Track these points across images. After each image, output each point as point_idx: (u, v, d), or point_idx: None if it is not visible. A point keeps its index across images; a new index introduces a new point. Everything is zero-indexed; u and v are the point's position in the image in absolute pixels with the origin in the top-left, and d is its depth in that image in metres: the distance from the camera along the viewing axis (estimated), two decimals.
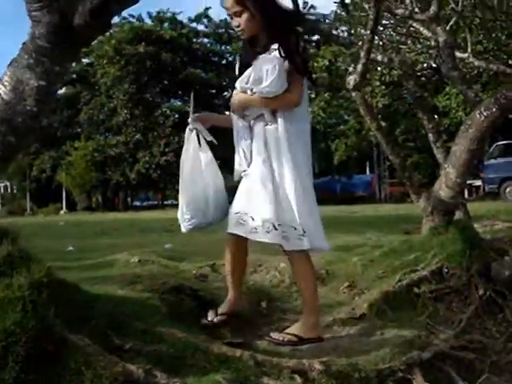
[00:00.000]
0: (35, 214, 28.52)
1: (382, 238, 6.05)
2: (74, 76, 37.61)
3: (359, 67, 3.91)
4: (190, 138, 2.92)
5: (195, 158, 2.92)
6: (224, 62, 37.65)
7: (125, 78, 32.94)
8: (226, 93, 36.31)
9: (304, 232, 2.72)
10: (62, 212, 29.69)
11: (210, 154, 2.94)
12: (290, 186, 2.75)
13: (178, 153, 33.18)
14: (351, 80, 3.75)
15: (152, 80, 33.60)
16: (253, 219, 2.68)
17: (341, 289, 3.67)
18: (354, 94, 3.81)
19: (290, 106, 2.80)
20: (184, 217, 2.89)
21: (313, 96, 17.35)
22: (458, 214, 4.40)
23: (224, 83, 35.85)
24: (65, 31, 1.97)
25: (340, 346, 2.72)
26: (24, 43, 1.99)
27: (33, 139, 2.09)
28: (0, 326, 1.75)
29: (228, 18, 2.91)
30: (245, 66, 2.87)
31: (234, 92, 2.88)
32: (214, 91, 36.86)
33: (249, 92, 2.79)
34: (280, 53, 2.73)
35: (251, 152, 2.83)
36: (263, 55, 2.77)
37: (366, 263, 3.88)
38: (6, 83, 1.98)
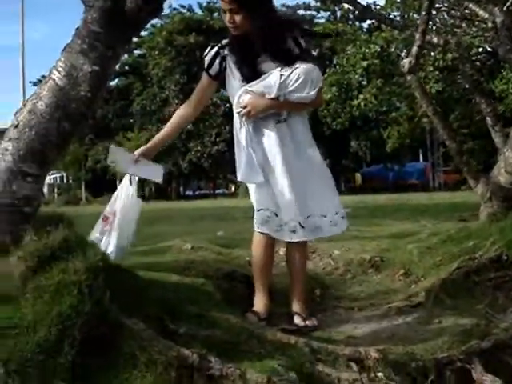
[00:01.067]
0: (90, 204, 29.15)
1: (437, 226, 5.89)
2: (127, 67, 38.26)
3: (414, 49, 3.80)
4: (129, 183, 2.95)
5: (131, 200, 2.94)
6: None
7: (176, 69, 33.24)
8: None
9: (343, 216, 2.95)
10: None
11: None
12: (321, 176, 2.90)
13: (229, 142, 33.54)
14: (406, 63, 3.65)
15: (202, 70, 33.70)
16: (277, 216, 2.78)
17: (396, 276, 3.60)
18: (408, 77, 3.71)
19: (317, 107, 2.84)
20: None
21: (364, 83, 17.06)
22: None
23: None
24: (117, 15, 1.96)
25: (396, 334, 2.66)
26: (77, 28, 2.00)
27: (86, 126, 2.09)
28: (56, 310, 1.76)
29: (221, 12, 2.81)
30: (244, 60, 2.83)
31: (249, 97, 2.79)
32: None
33: (281, 98, 2.77)
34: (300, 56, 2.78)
35: (264, 152, 2.82)
36: (302, 65, 2.75)
37: (422, 250, 3.79)
38: (60, 69, 1.99)
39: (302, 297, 2.92)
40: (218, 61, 2.89)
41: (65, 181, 37.79)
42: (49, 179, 36.11)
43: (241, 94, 2.82)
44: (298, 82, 2.74)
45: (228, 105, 34.04)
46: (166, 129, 3.08)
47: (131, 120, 37.34)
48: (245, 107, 2.79)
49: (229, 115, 33.26)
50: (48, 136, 2.00)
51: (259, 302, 2.84)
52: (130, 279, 2.15)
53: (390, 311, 3.02)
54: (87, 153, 36.32)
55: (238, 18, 2.72)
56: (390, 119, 23.77)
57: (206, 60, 2.92)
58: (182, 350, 1.86)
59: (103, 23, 1.95)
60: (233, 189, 39.59)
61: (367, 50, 15.24)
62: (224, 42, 2.91)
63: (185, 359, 1.83)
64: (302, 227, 2.78)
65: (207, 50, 2.95)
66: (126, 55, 39.53)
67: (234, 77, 2.87)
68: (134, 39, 39.13)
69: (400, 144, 26.16)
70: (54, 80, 1.99)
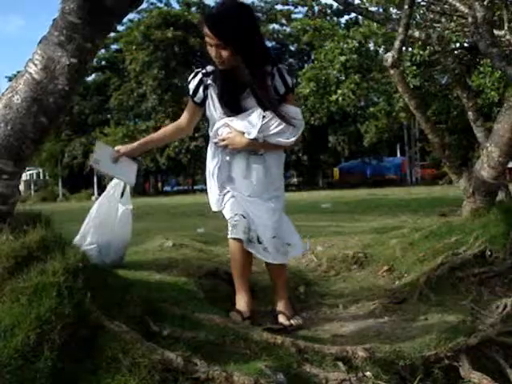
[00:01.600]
0: (68, 200, 28.84)
1: (418, 221, 5.90)
2: (104, 63, 37.88)
3: (397, 43, 3.77)
4: (115, 186, 2.99)
5: (113, 206, 2.98)
6: None
7: (154, 64, 33.00)
8: None
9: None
10: (93, 198, 29.92)
11: (129, 208, 3.03)
12: (280, 206, 2.88)
13: (207, 138, 33.27)
14: (389, 57, 3.62)
15: (181, 65, 33.56)
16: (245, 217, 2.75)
17: (380, 272, 3.57)
18: (391, 71, 3.67)
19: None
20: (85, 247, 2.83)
21: (342, 78, 17.08)
22: (501, 195, 4.25)
23: None
24: (96, 6, 1.89)
25: (383, 332, 2.63)
26: (54, 19, 1.92)
27: (62, 119, 2.02)
28: (34, 313, 1.69)
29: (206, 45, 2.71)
30: (227, 94, 2.78)
31: (228, 131, 2.78)
32: None
33: (260, 140, 2.76)
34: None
35: (232, 179, 2.85)
36: (286, 107, 2.74)
37: (405, 246, 3.76)
38: (36, 62, 1.91)
39: (285, 295, 2.87)
40: (201, 89, 2.85)
41: (41, 177, 37.33)
42: (25, 176, 35.68)
43: (219, 127, 2.80)
44: (280, 127, 2.74)
45: None
46: (156, 134, 3.07)
47: (108, 115, 37.02)
48: (223, 140, 2.78)
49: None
50: (24, 131, 1.92)
51: (241, 301, 2.78)
52: (111, 279, 2.08)
53: (376, 308, 2.98)
54: (64, 149, 35.91)
55: (224, 53, 2.65)
56: (367, 114, 23.88)
57: (191, 88, 2.88)
58: (166, 352, 1.80)
59: (81, 14, 1.87)
60: None
61: (345, 45, 15.25)
62: (208, 68, 2.84)
63: (169, 362, 1.78)
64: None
65: (191, 76, 2.90)
66: (102, 50, 39.15)
67: (214, 107, 2.84)
68: (111, 34, 38.75)
69: (378, 139, 26.30)
70: (30, 73, 1.91)
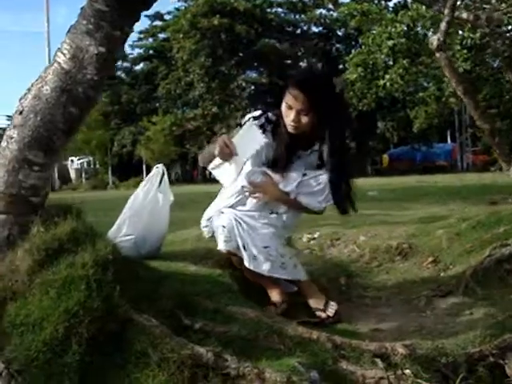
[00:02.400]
0: (117, 188, 29.30)
1: (466, 210, 5.71)
2: (151, 52, 38.21)
3: (443, 25, 3.62)
4: (153, 177, 2.98)
5: (151, 196, 2.93)
6: (299, 31, 37.06)
7: (200, 52, 33.06)
8: (301, 62, 35.87)
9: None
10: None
11: (168, 198, 2.99)
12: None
13: None
14: (434, 40, 3.48)
15: (227, 52, 33.54)
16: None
17: (424, 264, 3.45)
18: (437, 54, 3.53)
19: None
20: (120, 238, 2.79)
21: (390, 63, 16.73)
22: None
23: (299, 53, 35.37)
24: None
25: (425, 326, 2.52)
26: (82, 8, 1.88)
27: (92, 110, 1.99)
28: (62, 307, 1.67)
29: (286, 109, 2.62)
30: (281, 155, 2.70)
31: (263, 179, 2.68)
32: (289, 61, 36.42)
33: (292, 195, 2.69)
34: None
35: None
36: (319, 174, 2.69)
37: (451, 236, 3.62)
38: (65, 51, 1.88)
39: (312, 289, 2.78)
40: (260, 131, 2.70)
41: (92, 165, 38.03)
42: (76, 164, 36.43)
43: (255, 172, 2.70)
44: (317, 187, 2.69)
45: (253, 87, 33.93)
46: None
47: (157, 104, 37.36)
48: (255, 187, 2.67)
49: (253, 97, 33.16)
50: (54, 122, 1.90)
51: (272, 293, 2.71)
52: (143, 272, 2.06)
53: (419, 301, 2.88)
54: (114, 137, 36.49)
55: (304, 119, 2.59)
56: (417, 99, 23.37)
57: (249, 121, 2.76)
58: (196, 347, 1.75)
59: (109, 1, 1.82)
60: None
61: (393, 29, 14.91)
62: (271, 116, 2.76)
63: (199, 358, 1.73)
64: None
65: (253, 114, 2.81)
66: (150, 39, 39.48)
67: (260, 150, 2.69)
68: (159, 23, 38.97)
69: (427, 125, 25.73)
70: (59, 63, 1.88)
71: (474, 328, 2.36)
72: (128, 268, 1.96)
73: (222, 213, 2.69)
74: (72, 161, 37.19)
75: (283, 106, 2.63)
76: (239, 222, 2.61)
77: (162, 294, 1.97)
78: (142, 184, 2.95)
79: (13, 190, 1.92)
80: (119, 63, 42.41)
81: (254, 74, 35.74)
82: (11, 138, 1.92)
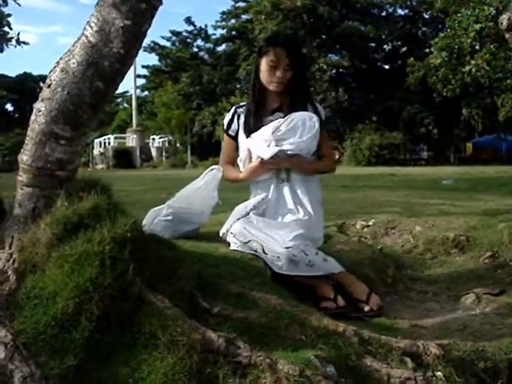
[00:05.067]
0: (195, 167, 29.75)
1: None
2: (233, 33, 38.35)
3: None
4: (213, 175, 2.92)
5: (204, 191, 2.92)
6: (384, 13, 36.12)
7: None
8: (385, 46, 35.04)
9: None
10: None
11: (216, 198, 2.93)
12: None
13: (334, 108, 33.03)
14: (504, 19, 3.21)
15: (309, 34, 33.19)
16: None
17: (481, 258, 3.25)
18: (507, 35, 3.27)
19: (327, 171, 3.00)
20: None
21: (477, 48, 16.00)
22: None
23: (383, 36, 34.52)
24: None
25: (469, 326, 2.36)
26: None
27: (119, 84, 1.95)
28: (74, 282, 1.65)
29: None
30: (252, 115, 2.87)
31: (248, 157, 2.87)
32: (372, 44, 35.64)
33: (279, 155, 2.74)
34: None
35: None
36: (297, 113, 2.78)
37: None
38: (92, 24, 1.85)
39: (354, 279, 2.66)
40: (235, 120, 2.93)
41: (172, 144, 38.76)
42: (158, 143, 37.23)
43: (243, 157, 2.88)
44: (290, 125, 2.74)
45: (334, 70, 33.44)
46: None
47: (237, 85, 37.55)
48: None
49: (335, 80, 32.71)
50: (81, 96, 1.87)
51: (325, 289, 2.58)
52: (167, 252, 2.01)
53: (468, 298, 2.71)
54: (194, 117, 37.03)
55: (289, 74, 2.78)
56: (504, 87, 22.32)
57: (225, 122, 2.97)
58: (208, 332, 1.69)
59: None
60: (337, 156, 39.00)
61: (481, 13, 14.23)
62: (243, 104, 3.02)
63: (210, 343, 1.67)
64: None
65: (227, 113, 3.02)
66: (232, 20, 39.60)
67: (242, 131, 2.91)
68: (241, 3, 38.95)
69: None
70: (86, 36, 1.85)
71: None
72: (150, 247, 1.92)
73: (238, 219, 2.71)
74: (153, 139, 38.06)
75: (265, 69, 2.79)
76: (254, 228, 2.60)
77: (183, 275, 1.92)
78: (201, 177, 2.91)
79: (39, 163, 1.92)
80: (201, 43, 42.95)
81: (335, 57, 35.20)
82: (39, 111, 1.91)
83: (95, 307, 1.65)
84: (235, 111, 2.95)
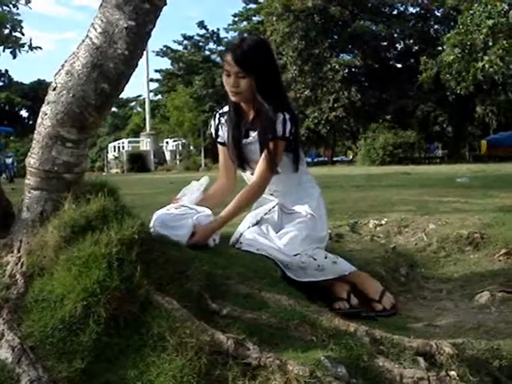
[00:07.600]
0: (209, 170, 29.77)
1: None
2: (245, 35, 38.37)
3: None
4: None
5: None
6: (395, 12, 35.94)
7: (294, 34, 32.84)
8: (397, 44, 34.89)
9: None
10: None
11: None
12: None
13: (347, 108, 32.92)
14: None
15: (321, 35, 33.11)
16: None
17: (496, 256, 3.20)
18: None
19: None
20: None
21: (490, 44, 15.88)
22: None
23: (395, 34, 34.35)
24: None
25: (484, 324, 2.32)
26: None
27: (124, 86, 1.94)
28: (81, 285, 1.65)
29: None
30: (233, 134, 2.74)
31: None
32: (384, 43, 35.46)
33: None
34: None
35: None
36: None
37: None
38: (96, 26, 1.84)
39: (367, 278, 2.64)
40: (219, 128, 2.85)
41: (186, 148, 38.82)
42: (172, 146, 37.32)
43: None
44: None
45: (346, 70, 33.33)
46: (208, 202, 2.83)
47: None
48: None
49: (347, 80, 32.59)
50: (86, 98, 1.87)
51: (339, 289, 2.57)
52: (175, 252, 2.00)
53: (483, 296, 2.67)
54: (208, 120, 37.03)
55: (242, 82, 2.58)
56: None
57: (212, 131, 2.89)
58: (216, 333, 1.68)
59: None
60: (351, 156, 38.93)
61: (493, 8, 14.12)
62: (225, 108, 2.84)
63: (219, 344, 1.66)
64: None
65: (212, 120, 2.91)
66: (244, 22, 39.65)
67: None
68: (252, 5, 38.98)
69: None
70: (90, 38, 1.85)
71: None
72: (158, 248, 1.91)
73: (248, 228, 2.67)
74: (167, 143, 38.15)
75: (223, 77, 2.67)
76: (264, 236, 2.57)
77: (191, 276, 1.90)
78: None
79: (46, 166, 1.92)
80: (213, 46, 43.02)
81: (347, 57, 35.08)
82: (45, 114, 1.91)
83: (103, 310, 1.64)
84: (219, 119, 2.84)
